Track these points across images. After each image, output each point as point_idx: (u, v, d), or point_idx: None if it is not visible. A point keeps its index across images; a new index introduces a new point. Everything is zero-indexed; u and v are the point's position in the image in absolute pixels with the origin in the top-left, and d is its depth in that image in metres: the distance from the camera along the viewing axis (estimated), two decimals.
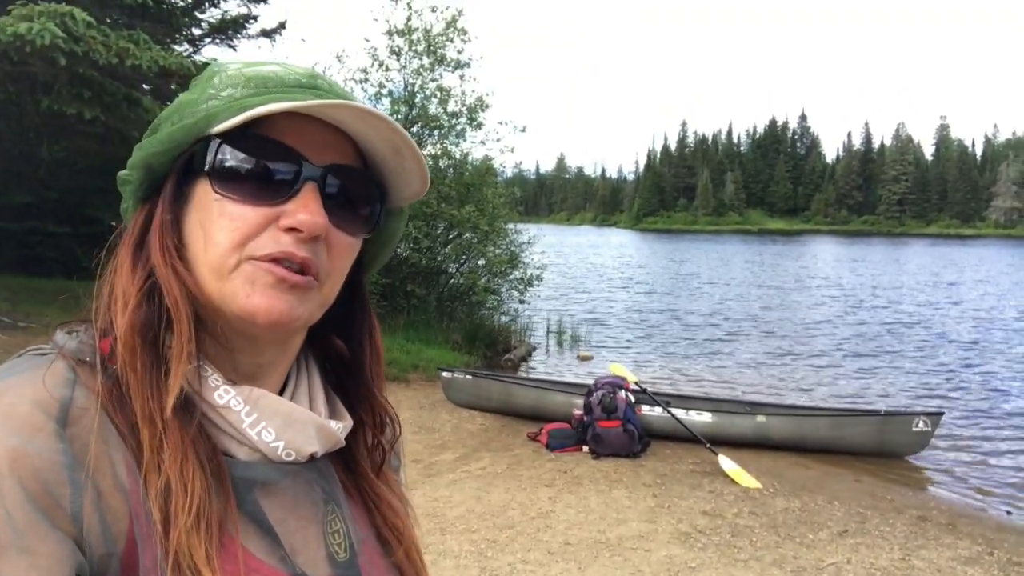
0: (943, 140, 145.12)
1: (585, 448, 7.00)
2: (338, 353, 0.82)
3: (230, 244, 0.66)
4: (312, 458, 0.72)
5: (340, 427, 0.75)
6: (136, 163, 0.70)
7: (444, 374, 8.69)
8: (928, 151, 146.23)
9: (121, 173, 0.72)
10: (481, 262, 13.75)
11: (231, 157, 0.67)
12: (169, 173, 0.70)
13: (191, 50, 14.13)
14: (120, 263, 0.69)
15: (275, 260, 0.66)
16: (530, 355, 13.13)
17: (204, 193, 0.68)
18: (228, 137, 0.67)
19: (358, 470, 0.80)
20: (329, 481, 0.75)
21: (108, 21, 10.42)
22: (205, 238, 0.67)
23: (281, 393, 0.75)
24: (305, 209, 0.66)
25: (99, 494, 0.58)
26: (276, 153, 0.67)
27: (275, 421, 0.68)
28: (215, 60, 0.66)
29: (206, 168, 0.67)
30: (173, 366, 0.64)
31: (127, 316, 0.65)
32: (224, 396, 0.67)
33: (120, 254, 0.70)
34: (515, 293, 13.96)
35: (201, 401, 0.66)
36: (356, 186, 0.71)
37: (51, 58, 8.27)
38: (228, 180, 0.66)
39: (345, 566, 0.71)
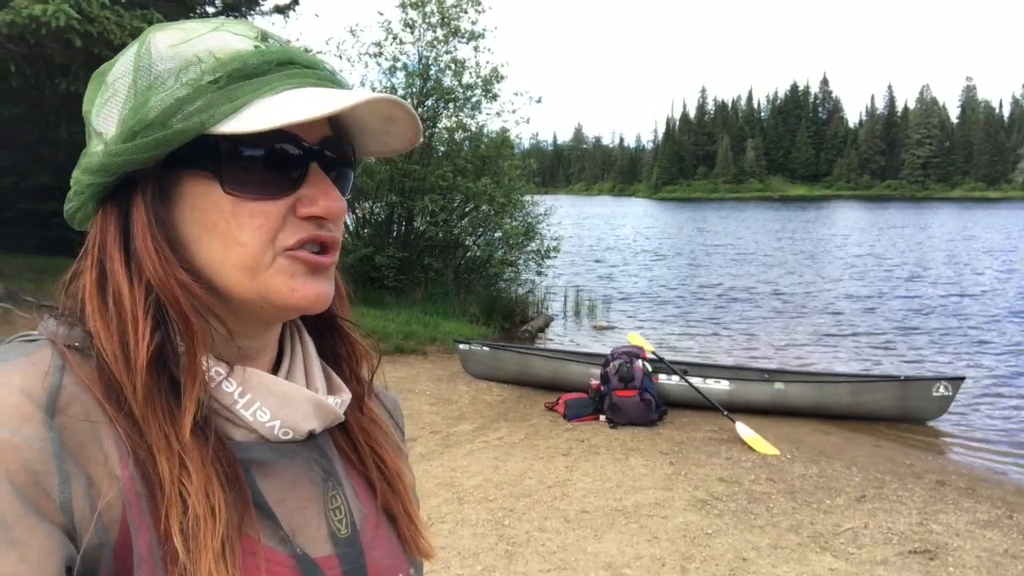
0: (969, 102, 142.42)
1: (602, 417, 7.03)
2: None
3: (261, 242, 0.63)
4: (311, 435, 0.71)
5: (339, 402, 0.74)
6: (109, 168, 0.63)
7: (461, 346, 8.74)
8: (953, 113, 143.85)
9: (83, 180, 0.66)
10: (498, 234, 13.79)
11: (242, 154, 0.63)
12: (137, 173, 0.64)
13: None
14: (113, 281, 0.64)
15: (302, 247, 0.65)
16: (547, 326, 13.16)
17: (201, 191, 0.64)
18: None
19: (355, 436, 0.78)
20: (329, 458, 0.74)
21: (122, 1, 10.44)
22: (222, 239, 0.64)
23: (276, 370, 0.73)
24: (325, 196, 0.65)
25: (90, 482, 0.57)
26: (278, 139, 0.64)
27: (270, 400, 0.67)
28: (152, 38, 0.58)
29: (210, 168, 0.63)
30: (187, 386, 0.61)
31: (145, 347, 0.61)
32: (216, 378, 0.65)
33: (111, 268, 0.64)
34: (532, 265, 13.99)
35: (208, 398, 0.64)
36: (341, 154, 0.69)
37: (66, 40, 8.33)
38: (239, 177, 0.63)
39: (347, 543, 0.70)
